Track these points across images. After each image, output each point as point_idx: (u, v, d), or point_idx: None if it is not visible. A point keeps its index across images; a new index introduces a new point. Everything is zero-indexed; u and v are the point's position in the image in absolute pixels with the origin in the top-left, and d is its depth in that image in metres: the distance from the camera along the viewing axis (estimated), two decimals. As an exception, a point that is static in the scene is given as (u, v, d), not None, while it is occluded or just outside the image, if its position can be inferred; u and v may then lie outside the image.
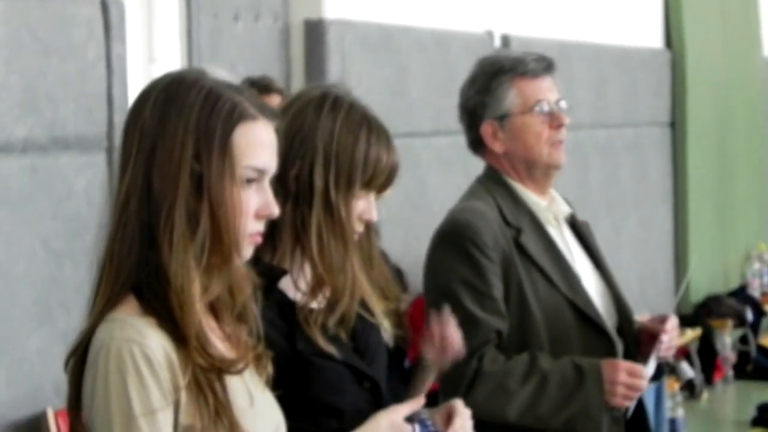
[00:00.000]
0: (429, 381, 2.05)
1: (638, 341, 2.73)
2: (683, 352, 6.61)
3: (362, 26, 4.76)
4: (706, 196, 7.44)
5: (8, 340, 3.14)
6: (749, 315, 7.33)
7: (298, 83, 4.41)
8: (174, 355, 1.57)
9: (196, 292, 1.61)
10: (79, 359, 1.61)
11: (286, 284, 1.97)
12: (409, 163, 4.93)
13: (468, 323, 2.59)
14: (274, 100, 3.75)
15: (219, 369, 1.60)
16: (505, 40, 5.60)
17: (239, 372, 1.64)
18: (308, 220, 1.95)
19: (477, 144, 2.76)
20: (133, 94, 3.82)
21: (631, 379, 2.56)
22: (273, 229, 1.79)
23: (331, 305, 1.97)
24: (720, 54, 7.59)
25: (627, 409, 2.63)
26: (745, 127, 7.96)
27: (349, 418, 1.91)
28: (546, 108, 2.69)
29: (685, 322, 6.28)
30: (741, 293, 7.66)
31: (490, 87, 2.70)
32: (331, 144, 1.97)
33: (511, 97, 2.69)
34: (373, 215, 2.00)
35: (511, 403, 2.57)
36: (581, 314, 2.65)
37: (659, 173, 7.11)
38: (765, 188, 8.34)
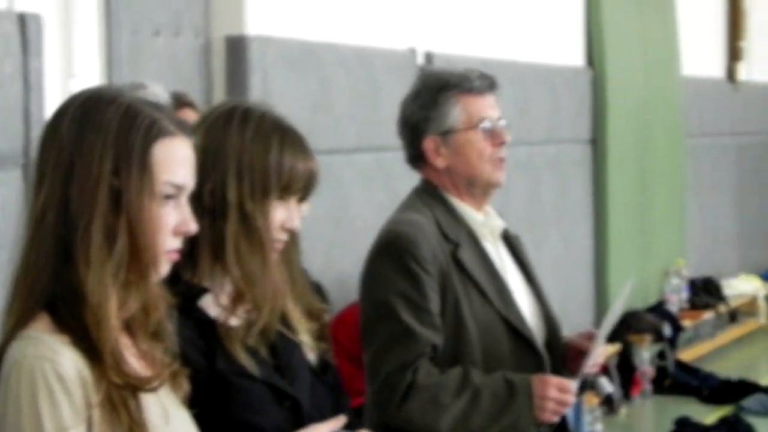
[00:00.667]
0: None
1: (565, 357, 2.77)
2: (602, 368, 6.70)
3: (284, 42, 4.76)
4: (626, 212, 7.54)
5: None
6: (667, 330, 7.43)
7: (219, 100, 4.39)
8: (87, 373, 1.56)
9: (112, 309, 1.61)
10: None
11: (206, 302, 1.96)
12: (332, 179, 4.94)
13: (404, 336, 2.60)
14: (188, 115, 3.74)
15: (134, 387, 1.60)
16: (429, 57, 5.63)
17: (154, 390, 1.63)
18: (225, 234, 1.94)
19: (417, 159, 2.78)
20: (50, 109, 3.78)
21: (561, 395, 2.59)
22: (192, 246, 1.79)
23: (252, 320, 1.96)
24: (640, 73, 7.72)
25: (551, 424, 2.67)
26: (664, 144, 8.09)
27: (269, 438, 1.91)
28: (489, 125, 2.72)
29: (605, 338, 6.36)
30: (659, 309, 7.77)
31: (436, 102, 2.72)
32: (242, 155, 1.96)
33: (456, 113, 2.71)
34: (296, 223, 2.00)
35: (443, 417, 2.59)
36: (513, 330, 2.68)
37: (580, 190, 7.19)
38: (683, 204, 8.48)
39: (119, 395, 1.58)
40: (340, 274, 4.89)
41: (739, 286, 9.13)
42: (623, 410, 6.87)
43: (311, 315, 2.09)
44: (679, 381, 7.38)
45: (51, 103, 3.46)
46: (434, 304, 2.62)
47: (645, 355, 7.17)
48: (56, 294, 1.59)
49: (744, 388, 7.11)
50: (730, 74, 9.66)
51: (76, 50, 3.92)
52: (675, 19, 8.32)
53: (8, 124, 3.38)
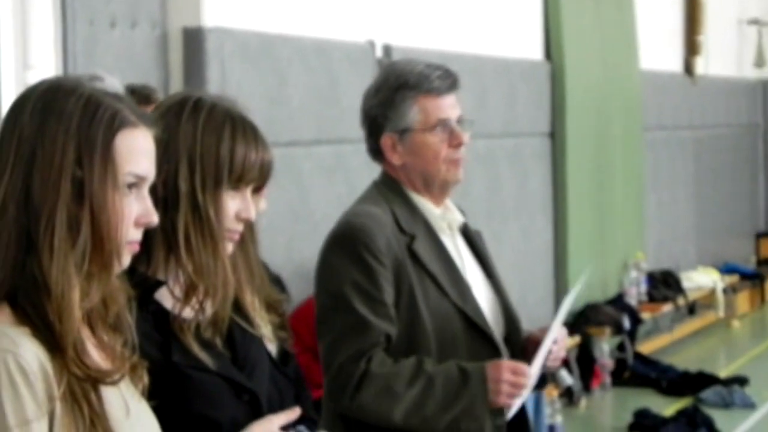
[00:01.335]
0: None
1: (525, 350, 2.80)
2: (562, 360, 6.74)
3: (242, 34, 4.76)
4: (585, 205, 7.59)
5: None
6: (626, 323, 7.49)
7: (176, 92, 4.38)
8: (49, 365, 1.55)
9: (75, 299, 1.59)
10: None
11: (162, 295, 1.95)
12: (291, 172, 4.94)
13: (358, 326, 2.61)
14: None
15: (95, 379, 1.59)
16: (387, 50, 5.65)
17: (115, 383, 1.62)
18: (176, 224, 1.94)
19: (376, 152, 2.80)
20: (6, 101, 3.76)
21: (515, 377, 2.60)
22: (147, 238, 1.79)
23: (205, 310, 1.97)
24: (598, 66, 7.76)
25: (506, 411, 2.68)
26: (622, 137, 8.14)
27: (226, 431, 1.92)
28: (446, 127, 2.74)
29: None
30: (618, 301, 7.83)
31: (393, 101, 2.73)
32: (194, 145, 1.95)
33: (413, 113, 2.73)
34: (251, 213, 1.99)
35: (397, 405, 2.60)
36: (469, 322, 2.70)
37: (539, 183, 7.23)
38: (642, 197, 8.54)
39: (81, 388, 1.57)
40: (299, 267, 4.90)
41: (698, 279, 9.22)
42: (583, 402, 6.93)
43: (270, 306, 2.09)
44: (639, 373, 7.45)
45: (6, 94, 3.44)
46: (388, 294, 2.64)
47: (604, 347, 7.22)
48: (18, 285, 1.58)
49: (702, 381, 7.18)
50: (688, 68, 9.74)
51: (31, 42, 3.90)
52: (633, 12, 8.38)
53: (-38, 116, 3.36)
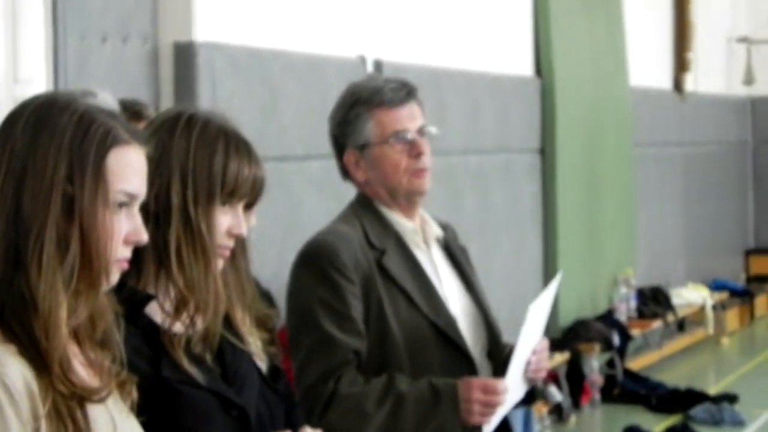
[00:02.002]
0: None
1: (507, 364, 2.79)
2: (552, 376, 6.73)
3: (233, 49, 4.76)
4: (575, 221, 7.60)
5: None
6: (616, 339, 7.49)
7: (167, 107, 4.38)
8: (34, 384, 1.54)
9: (62, 317, 1.58)
10: None
11: (153, 309, 1.95)
12: (282, 187, 4.94)
13: (325, 344, 2.60)
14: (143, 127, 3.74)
15: (81, 397, 1.57)
16: (378, 65, 5.66)
17: (102, 400, 1.60)
18: (168, 239, 1.94)
19: (344, 171, 2.82)
20: (-4, 114, 3.76)
21: (486, 396, 2.57)
22: (137, 252, 1.79)
23: (195, 325, 1.97)
24: (588, 83, 7.79)
25: (483, 429, 2.66)
26: (613, 153, 8.17)
27: (216, 447, 1.91)
28: (404, 137, 2.74)
29: (554, 346, 6.40)
30: (608, 318, 7.83)
31: (348, 118, 2.75)
32: (187, 160, 1.95)
33: (369, 127, 2.73)
34: (243, 229, 2.00)
35: (367, 426, 2.58)
36: (442, 335, 2.69)
37: (530, 199, 7.24)
38: (632, 213, 8.56)
39: (66, 406, 1.56)
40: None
41: (687, 296, 9.23)
42: (572, 419, 6.92)
43: (260, 322, 2.09)
44: (628, 390, 7.44)
45: (-3, 108, 3.44)
46: (356, 310, 2.63)
47: (594, 363, 7.22)
48: (5, 301, 1.57)
49: (692, 398, 7.17)
50: (677, 85, 9.78)
51: (22, 55, 3.90)
52: (623, 29, 8.42)
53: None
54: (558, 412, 6.83)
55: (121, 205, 1.63)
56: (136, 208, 1.66)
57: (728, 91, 10.90)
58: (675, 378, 7.82)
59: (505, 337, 2.91)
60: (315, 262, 2.65)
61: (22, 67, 3.88)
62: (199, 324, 1.95)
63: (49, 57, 4.02)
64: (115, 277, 1.64)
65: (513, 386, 2.64)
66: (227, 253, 2.00)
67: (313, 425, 2.54)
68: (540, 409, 6.10)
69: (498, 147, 6.89)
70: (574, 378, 7.08)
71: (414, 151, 2.72)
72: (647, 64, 9.01)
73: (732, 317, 9.86)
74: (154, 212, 1.92)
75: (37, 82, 3.92)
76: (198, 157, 1.96)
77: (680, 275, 9.57)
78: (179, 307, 1.94)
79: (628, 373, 7.64)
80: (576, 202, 7.57)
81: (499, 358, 2.77)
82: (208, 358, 1.96)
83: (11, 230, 1.58)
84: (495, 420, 2.63)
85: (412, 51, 6.02)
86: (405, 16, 6.03)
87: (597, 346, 7.26)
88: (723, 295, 9.78)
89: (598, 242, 7.89)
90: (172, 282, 1.94)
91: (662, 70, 9.59)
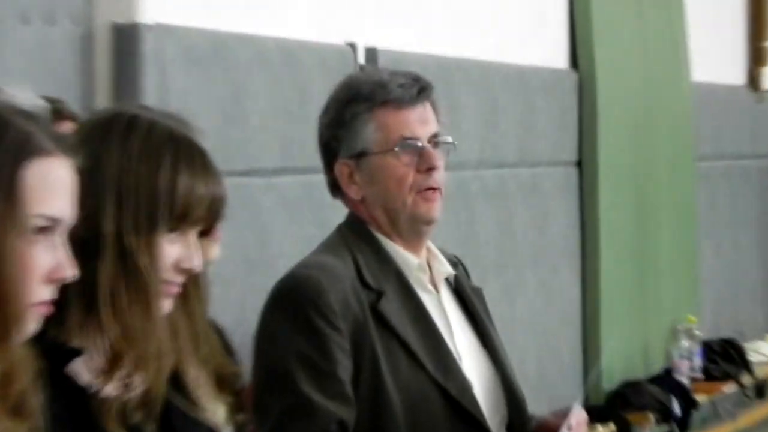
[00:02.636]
0: None
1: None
2: (593, 453, 6.73)
3: (188, 33, 4.78)
4: (622, 253, 7.59)
5: None
6: (676, 407, 7.45)
7: (103, 104, 4.40)
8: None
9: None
10: None
11: (78, 366, 1.96)
12: (247, 208, 4.95)
13: (301, 410, 2.60)
14: (67, 129, 3.74)
15: None
16: (371, 54, 5.67)
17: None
18: (98, 276, 1.95)
19: (334, 187, 2.81)
20: None
21: None
22: (61, 293, 1.79)
23: (133, 387, 1.97)
24: (639, 78, 7.80)
25: None
26: (670, 168, 8.16)
27: None
28: (413, 146, 2.74)
29: (596, 415, 6.39)
30: (666, 379, 7.79)
31: (344, 118, 2.75)
32: (124, 175, 1.97)
33: (369, 131, 2.74)
34: (196, 263, 2.01)
35: None
36: (453, 403, 2.69)
37: (563, 225, 7.25)
38: (694, 244, 8.55)
39: None
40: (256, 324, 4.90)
41: None
42: (618, 508, 6.91)
43: (224, 383, 2.10)
44: (690, 472, 7.43)
45: None
46: (343, 368, 2.63)
47: (647, 437, 7.22)
48: None
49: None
50: (752, 81, 9.80)
51: None
52: (683, 15, 8.44)
53: None
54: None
55: (41, 231, 1.63)
56: (60, 237, 1.66)
57: (817, 88, 10.92)
58: (751, 457, 7.80)
59: (531, 407, 2.90)
60: (294, 304, 2.66)
61: None
62: (138, 385, 1.95)
63: (-45, 42, 4.04)
64: (32, 326, 1.64)
65: None
66: (175, 291, 2.00)
67: None
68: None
69: (523, 159, 6.90)
70: (621, 457, 7.07)
71: (424, 164, 2.73)
72: (714, 57, 9.03)
73: (824, 378, 9.84)
74: (82, 241, 1.92)
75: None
76: (139, 172, 1.98)
77: (758, 324, 9.56)
78: (112, 363, 1.94)
79: (690, 450, 7.63)
80: (623, 230, 7.58)
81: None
82: (150, 429, 1.96)
83: None
84: None
85: (414, 36, 6.03)
86: (406, -8, 6.05)
87: (651, 416, 7.25)
88: (812, 350, 9.77)
89: (652, 281, 7.89)
90: (103, 332, 1.95)
91: (733, 63, 9.61)
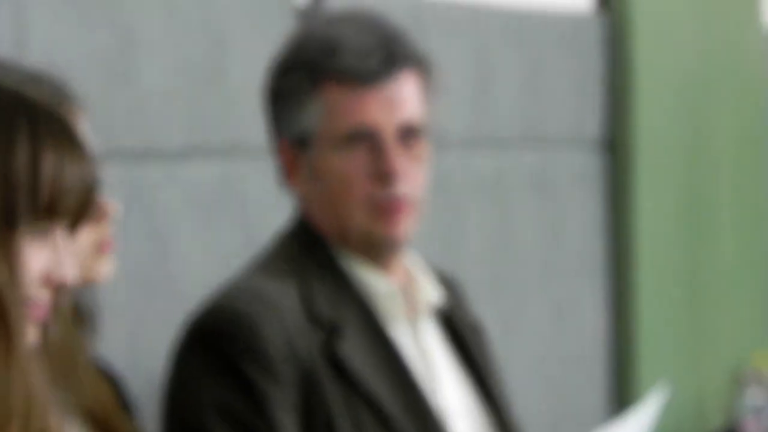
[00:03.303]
0: None
1: None
2: None
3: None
4: (667, 269, 7.64)
5: None
6: (743, 481, 7.58)
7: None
8: None
9: None
10: None
11: None
12: (142, 205, 4.96)
13: None
14: None
15: None
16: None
17: None
18: None
19: (281, 172, 2.84)
20: None
21: None
22: None
23: None
24: (691, 24, 7.86)
25: None
26: (733, 150, 8.22)
27: None
28: (368, 140, 2.76)
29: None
30: (728, 441, 7.92)
31: (281, 90, 2.77)
32: None
33: (313, 110, 2.75)
34: (66, 271, 2.03)
35: None
36: None
37: (583, 230, 7.28)
38: (766, 257, 8.61)
39: None
40: (154, 367, 4.89)
41: None
42: None
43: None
44: None
45: None
46: (285, 430, 2.66)
47: None
48: None
49: None
50: None
51: None
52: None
53: None
54: None
55: None
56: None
57: None
58: None
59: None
60: (216, 346, 2.69)
61: None
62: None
63: None
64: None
65: None
66: (41, 314, 2.01)
67: None
68: None
69: (526, 138, 6.93)
70: None
71: (382, 167, 2.74)
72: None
73: None
74: None
75: None
76: None
77: None
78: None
79: None
80: (668, 237, 7.62)
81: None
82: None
83: None
84: None
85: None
86: None
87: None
88: None
89: (707, 307, 7.95)
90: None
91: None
